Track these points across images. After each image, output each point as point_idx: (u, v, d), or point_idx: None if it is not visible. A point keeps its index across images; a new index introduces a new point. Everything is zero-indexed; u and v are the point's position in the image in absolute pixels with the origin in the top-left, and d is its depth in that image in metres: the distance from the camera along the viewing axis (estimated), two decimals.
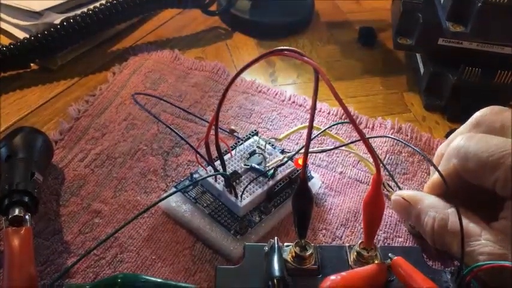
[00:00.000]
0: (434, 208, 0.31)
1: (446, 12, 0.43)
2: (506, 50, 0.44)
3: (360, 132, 0.26)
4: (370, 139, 0.40)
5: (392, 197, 0.34)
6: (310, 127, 0.25)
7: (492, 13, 0.41)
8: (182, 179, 0.37)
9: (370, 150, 0.26)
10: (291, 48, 0.28)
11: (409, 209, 0.32)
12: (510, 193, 0.28)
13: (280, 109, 0.44)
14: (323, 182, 0.38)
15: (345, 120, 0.42)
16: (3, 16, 0.49)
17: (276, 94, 0.46)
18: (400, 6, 0.47)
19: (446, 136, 0.43)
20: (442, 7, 0.44)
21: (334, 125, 0.39)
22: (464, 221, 0.28)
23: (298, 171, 0.36)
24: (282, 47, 0.29)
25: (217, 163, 0.34)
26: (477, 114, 0.32)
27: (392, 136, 0.39)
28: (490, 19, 0.41)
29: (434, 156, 0.36)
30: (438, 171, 0.30)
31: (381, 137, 0.41)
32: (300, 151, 0.36)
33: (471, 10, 0.41)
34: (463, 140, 0.30)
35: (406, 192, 0.34)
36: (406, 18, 0.46)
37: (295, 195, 0.28)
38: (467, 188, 0.30)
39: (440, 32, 0.44)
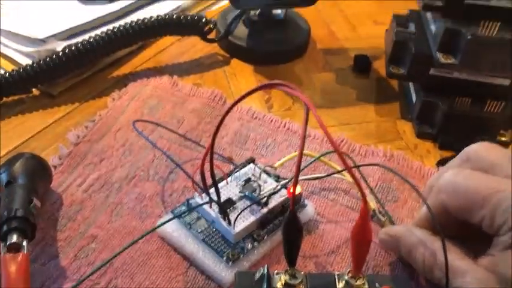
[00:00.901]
0: (423, 243, 0.31)
1: (437, 44, 0.44)
2: (495, 80, 0.45)
3: (344, 162, 0.27)
4: (362, 167, 0.41)
5: (380, 236, 0.35)
6: (299, 162, 0.26)
7: (481, 46, 0.42)
8: (178, 205, 0.37)
9: (356, 180, 0.27)
10: (283, 82, 0.29)
11: (398, 245, 0.33)
12: (496, 231, 0.28)
13: (275, 136, 0.45)
14: (315, 209, 0.39)
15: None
16: (7, 42, 0.51)
17: (271, 121, 0.47)
18: (393, 36, 0.48)
19: (437, 164, 0.44)
20: (433, 38, 0.45)
21: (326, 153, 0.40)
22: (451, 256, 0.29)
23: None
24: (275, 81, 0.30)
25: (213, 190, 0.35)
26: (467, 150, 0.33)
27: (382, 164, 0.40)
28: (480, 51, 0.42)
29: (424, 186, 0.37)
30: (426, 203, 0.31)
31: (369, 165, 0.41)
32: (302, 170, 0.37)
33: (461, 42, 0.42)
34: (452, 176, 0.31)
35: (394, 229, 0.34)
36: (399, 48, 0.48)
37: (284, 226, 0.29)
38: (454, 223, 0.31)
39: (431, 62, 0.45)
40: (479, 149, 0.32)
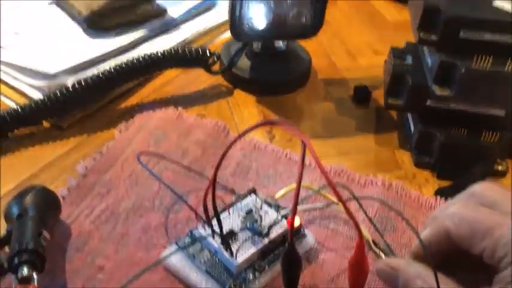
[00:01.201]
0: (421, 277, 0.32)
1: (432, 76, 0.45)
2: (491, 111, 0.47)
3: (339, 197, 0.28)
4: (361, 194, 0.42)
5: (377, 266, 0.35)
6: (296, 198, 0.28)
7: (475, 79, 0.43)
8: (182, 236, 0.39)
9: (350, 215, 0.28)
10: (282, 120, 0.31)
11: (395, 277, 0.34)
12: (496, 263, 0.29)
13: (277, 166, 0.47)
14: (315, 239, 0.40)
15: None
16: (19, 76, 0.53)
17: (273, 151, 0.48)
18: (390, 68, 0.50)
19: (435, 194, 0.45)
20: (428, 71, 0.47)
21: (324, 187, 0.41)
22: None
23: None
24: (275, 119, 0.32)
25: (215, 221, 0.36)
26: (474, 187, 0.34)
27: (377, 197, 0.41)
28: (474, 84, 0.44)
29: (423, 214, 0.38)
30: (418, 236, 0.32)
31: (365, 198, 0.42)
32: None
33: (455, 75, 0.44)
34: (460, 206, 0.32)
35: (393, 260, 0.35)
36: (396, 80, 0.49)
37: (283, 258, 0.30)
38: (455, 251, 0.32)
39: (428, 94, 0.46)
40: (483, 187, 0.34)
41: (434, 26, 0.44)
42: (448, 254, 0.32)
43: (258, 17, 0.53)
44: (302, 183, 0.41)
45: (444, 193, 0.45)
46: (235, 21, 0.52)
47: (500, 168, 0.48)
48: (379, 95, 0.57)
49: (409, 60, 0.50)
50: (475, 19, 0.43)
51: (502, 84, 0.43)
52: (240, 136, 0.32)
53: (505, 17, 0.43)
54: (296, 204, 0.28)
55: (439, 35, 0.44)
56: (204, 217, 0.36)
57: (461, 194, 0.35)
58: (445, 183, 0.47)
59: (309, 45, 0.61)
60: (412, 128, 0.50)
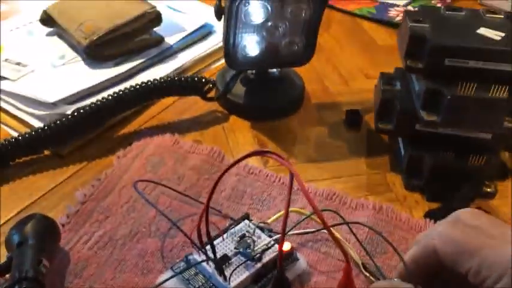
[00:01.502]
0: None
1: (420, 102, 0.47)
2: (478, 135, 0.48)
3: (325, 224, 0.29)
4: (352, 217, 0.43)
5: None
6: (284, 225, 0.29)
7: (461, 105, 0.45)
8: (178, 260, 0.40)
9: (337, 242, 0.30)
10: (271, 151, 0.33)
11: None
12: (480, 282, 0.31)
13: (270, 190, 0.48)
14: (308, 262, 0.41)
15: (328, 208, 0.45)
16: (21, 106, 0.54)
17: (267, 176, 0.50)
18: (380, 94, 0.51)
19: (425, 216, 0.46)
20: (416, 96, 0.48)
21: (313, 213, 0.42)
22: None
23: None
24: (265, 150, 0.33)
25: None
26: (457, 213, 0.36)
27: (364, 224, 0.43)
28: (459, 110, 0.45)
29: (413, 237, 0.39)
30: (400, 257, 0.33)
31: (353, 223, 0.43)
32: (287, 233, 0.39)
33: (442, 101, 0.45)
34: (448, 227, 0.34)
35: (380, 283, 0.36)
36: (385, 105, 0.51)
37: (273, 284, 0.31)
38: (439, 268, 0.33)
39: (416, 119, 0.48)
40: (468, 215, 0.35)
41: (421, 54, 0.46)
42: (434, 273, 0.33)
43: (251, 46, 0.55)
44: (295, 208, 0.43)
45: (433, 215, 0.46)
46: (230, 50, 0.54)
47: (489, 190, 0.49)
48: (370, 118, 0.58)
49: (397, 85, 0.52)
50: (460, 47, 0.45)
51: (487, 109, 0.45)
52: (230, 167, 0.34)
53: (488, 45, 0.45)
54: (284, 233, 0.29)
55: (425, 63, 0.46)
56: (198, 243, 0.37)
57: (446, 218, 0.36)
58: (434, 206, 0.48)
59: (302, 70, 0.63)
60: (403, 152, 0.52)
